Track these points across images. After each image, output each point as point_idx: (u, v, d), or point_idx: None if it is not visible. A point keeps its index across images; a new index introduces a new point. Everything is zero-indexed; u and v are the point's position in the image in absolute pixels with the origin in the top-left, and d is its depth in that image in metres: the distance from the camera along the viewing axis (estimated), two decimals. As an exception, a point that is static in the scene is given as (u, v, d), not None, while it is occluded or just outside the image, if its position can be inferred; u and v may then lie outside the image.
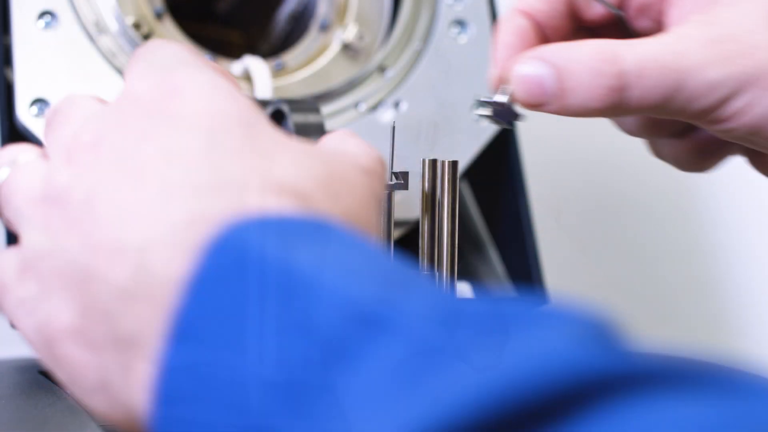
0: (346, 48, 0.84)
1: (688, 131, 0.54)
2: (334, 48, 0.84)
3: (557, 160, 1.03)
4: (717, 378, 0.22)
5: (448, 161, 0.52)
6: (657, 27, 0.51)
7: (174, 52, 0.35)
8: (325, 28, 0.84)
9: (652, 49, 0.46)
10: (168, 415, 0.28)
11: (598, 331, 0.25)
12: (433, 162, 0.51)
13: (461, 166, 0.81)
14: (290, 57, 0.83)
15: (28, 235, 0.34)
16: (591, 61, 0.46)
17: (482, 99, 0.49)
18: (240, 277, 0.27)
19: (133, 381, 0.30)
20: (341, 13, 0.85)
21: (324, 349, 0.25)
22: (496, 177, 0.86)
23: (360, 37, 0.84)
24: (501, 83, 0.49)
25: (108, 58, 0.75)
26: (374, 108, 0.81)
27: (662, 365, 0.23)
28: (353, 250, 0.28)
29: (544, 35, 0.51)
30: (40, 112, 0.72)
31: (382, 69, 0.82)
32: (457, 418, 0.22)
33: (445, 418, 0.22)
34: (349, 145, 0.37)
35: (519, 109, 0.49)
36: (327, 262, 0.27)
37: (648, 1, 0.51)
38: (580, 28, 0.53)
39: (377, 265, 0.28)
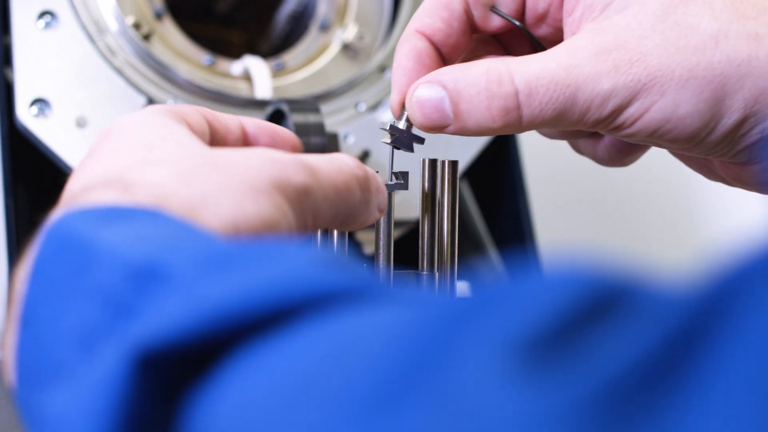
0: (346, 48, 0.84)
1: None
2: (334, 48, 0.84)
3: (557, 160, 1.03)
4: (406, 294, 0.27)
5: (448, 161, 0.51)
6: (557, 33, 0.51)
7: (136, 114, 0.40)
8: (325, 28, 0.84)
9: (542, 66, 0.45)
10: (23, 397, 0.32)
11: (334, 259, 0.29)
12: (433, 162, 0.51)
13: (461, 166, 0.81)
14: (290, 57, 0.83)
15: None
16: (483, 82, 0.46)
17: (386, 127, 0.49)
18: (54, 260, 0.32)
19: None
20: (341, 13, 0.85)
21: (111, 306, 0.30)
22: (496, 177, 0.86)
23: (360, 37, 0.84)
24: (402, 108, 0.49)
25: (108, 58, 0.75)
26: (374, 108, 0.81)
27: (375, 285, 0.27)
28: (149, 224, 0.33)
29: (442, 55, 0.51)
30: (40, 112, 0.71)
31: (382, 69, 0.82)
32: (167, 339, 0.27)
33: (159, 338, 0.27)
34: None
35: (419, 132, 0.48)
36: (121, 236, 0.32)
37: (544, 11, 0.51)
38: (483, 39, 0.53)
39: (166, 231, 0.32)
